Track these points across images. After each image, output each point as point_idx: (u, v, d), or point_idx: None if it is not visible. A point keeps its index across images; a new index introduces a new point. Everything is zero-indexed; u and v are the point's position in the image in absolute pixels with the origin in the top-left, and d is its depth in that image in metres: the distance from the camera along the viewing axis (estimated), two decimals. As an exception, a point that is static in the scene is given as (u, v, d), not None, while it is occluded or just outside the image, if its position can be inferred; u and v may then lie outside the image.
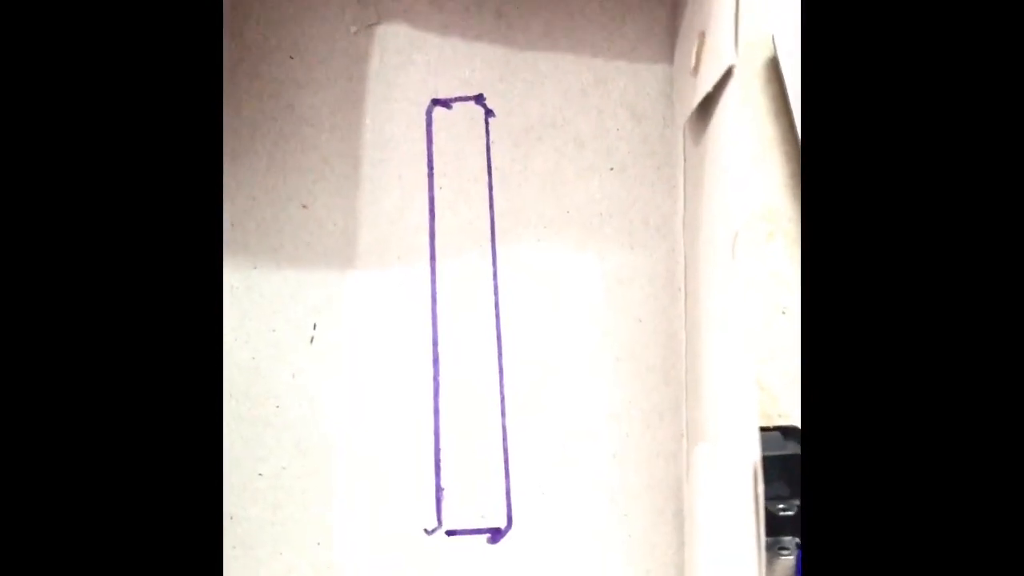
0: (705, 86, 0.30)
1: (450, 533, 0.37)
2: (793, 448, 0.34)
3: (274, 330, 0.37)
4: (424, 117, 0.38)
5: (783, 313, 0.38)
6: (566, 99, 0.38)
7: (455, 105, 0.38)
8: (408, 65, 0.38)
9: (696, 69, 0.32)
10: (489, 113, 0.38)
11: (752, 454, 0.25)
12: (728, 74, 0.28)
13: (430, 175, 0.38)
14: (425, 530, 0.37)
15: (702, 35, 0.31)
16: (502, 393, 0.37)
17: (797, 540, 0.33)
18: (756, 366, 0.38)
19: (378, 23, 0.38)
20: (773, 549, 0.33)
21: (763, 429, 0.32)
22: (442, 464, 0.37)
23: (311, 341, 0.37)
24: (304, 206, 0.37)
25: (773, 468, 0.33)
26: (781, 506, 0.34)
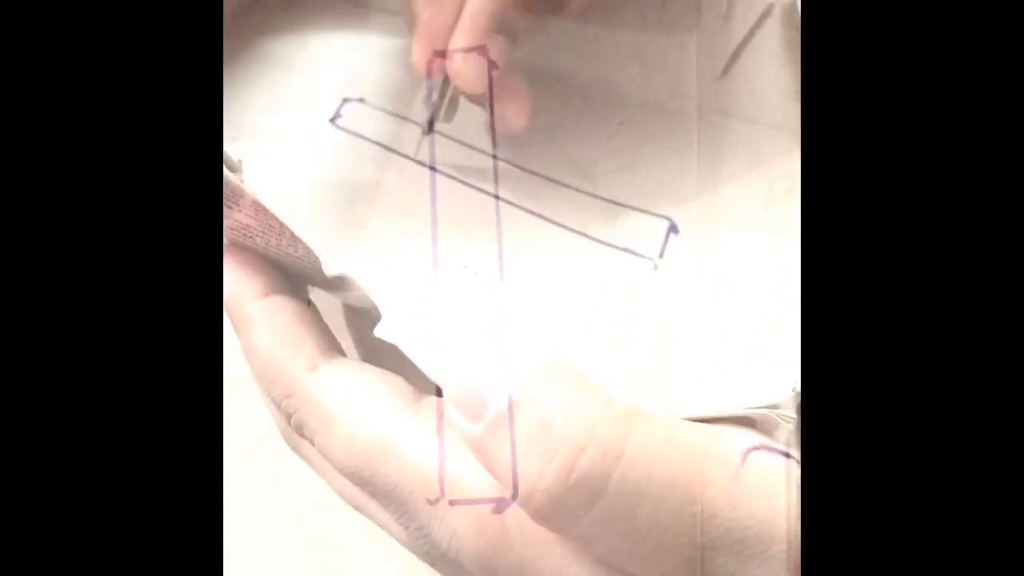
0: (741, 30, 0.28)
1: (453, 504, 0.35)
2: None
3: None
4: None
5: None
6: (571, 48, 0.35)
7: (454, 56, 0.35)
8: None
9: (727, 12, 0.30)
10: (491, 64, 0.35)
11: None
12: (766, 14, 0.25)
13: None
14: (428, 500, 0.35)
15: None
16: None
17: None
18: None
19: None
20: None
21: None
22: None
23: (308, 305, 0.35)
24: None
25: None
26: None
